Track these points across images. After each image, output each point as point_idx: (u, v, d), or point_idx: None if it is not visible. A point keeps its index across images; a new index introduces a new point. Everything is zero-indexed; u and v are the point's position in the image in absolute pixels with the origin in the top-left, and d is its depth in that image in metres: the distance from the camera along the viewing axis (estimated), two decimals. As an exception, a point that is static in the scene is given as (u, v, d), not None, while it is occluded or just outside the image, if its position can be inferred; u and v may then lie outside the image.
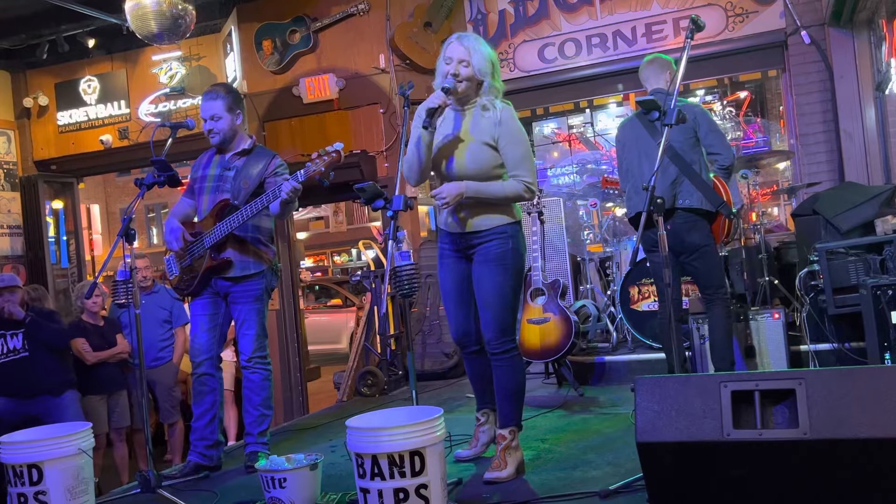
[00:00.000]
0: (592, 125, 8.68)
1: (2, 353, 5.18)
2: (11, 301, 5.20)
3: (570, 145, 8.81)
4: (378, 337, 6.54)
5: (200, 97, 7.91)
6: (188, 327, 4.60)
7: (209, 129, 4.03)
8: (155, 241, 21.94)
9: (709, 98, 8.36)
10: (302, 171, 3.75)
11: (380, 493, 2.58)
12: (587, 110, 8.54)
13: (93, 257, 10.45)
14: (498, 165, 3.34)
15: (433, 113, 3.24)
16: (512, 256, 3.37)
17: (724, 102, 8.25)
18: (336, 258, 23.34)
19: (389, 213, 3.15)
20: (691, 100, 7.32)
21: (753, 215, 5.70)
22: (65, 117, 8.90)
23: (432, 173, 3.50)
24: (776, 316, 4.90)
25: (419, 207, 7.85)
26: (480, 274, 3.38)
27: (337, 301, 13.69)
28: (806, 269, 5.01)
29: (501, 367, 3.40)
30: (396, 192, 3.19)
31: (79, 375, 5.47)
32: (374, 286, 6.62)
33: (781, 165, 7.73)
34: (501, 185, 3.33)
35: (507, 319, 3.37)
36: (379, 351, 6.47)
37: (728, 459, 2.50)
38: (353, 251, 22.24)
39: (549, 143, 8.99)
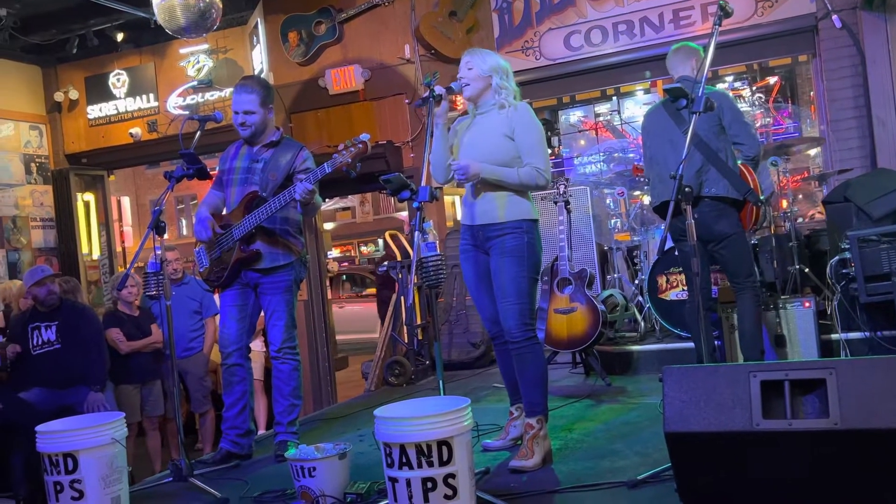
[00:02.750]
0: (619, 113, 8.61)
1: (36, 344, 5.27)
2: (52, 291, 5.29)
3: (596, 133, 8.75)
4: (405, 327, 6.57)
5: (228, 89, 7.96)
6: (218, 318, 4.66)
7: (241, 122, 4.05)
8: (184, 232, 22.13)
9: (738, 84, 8.25)
10: (329, 162, 3.77)
11: (408, 483, 2.60)
12: (614, 98, 8.47)
13: (123, 249, 10.59)
14: (516, 157, 3.47)
15: (431, 96, 3.38)
16: (527, 250, 3.45)
17: (754, 88, 8.13)
18: (363, 248, 23.43)
19: (415, 205, 3.16)
20: (718, 86, 7.24)
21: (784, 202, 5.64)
22: (95, 111, 9.01)
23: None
24: (807, 304, 4.85)
25: (445, 198, 7.85)
26: (497, 266, 3.47)
27: (371, 290, 13.75)
28: (837, 257, 4.94)
29: (523, 355, 3.45)
30: (422, 183, 3.20)
31: (113, 365, 5.55)
32: (400, 276, 6.65)
33: (812, 152, 7.62)
34: (516, 171, 3.44)
35: (525, 308, 3.43)
36: (406, 341, 6.50)
37: (757, 449, 2.48)
38: (380, 241, 22.31)
39: (576, 132, 8.93)
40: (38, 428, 3.21)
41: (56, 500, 3.11)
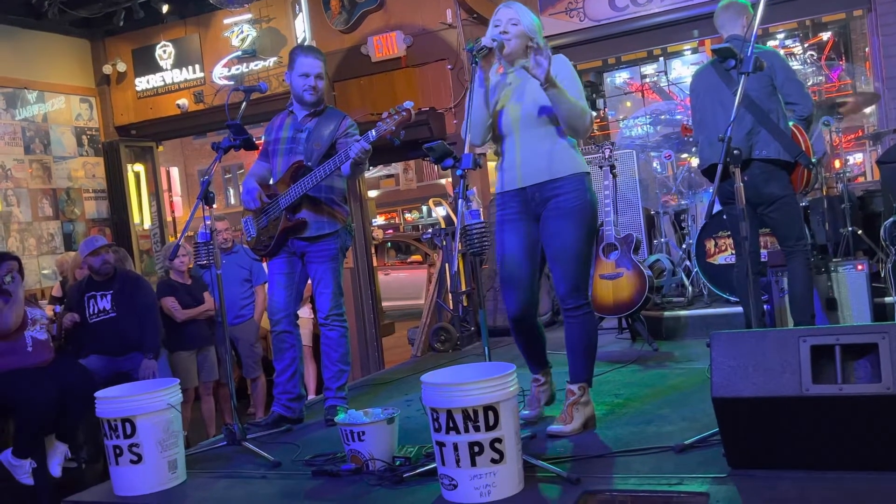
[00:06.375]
0: (666, 74, 8.44)
1: (93, 312, 5.42)
2: (107, 260, 5.42)
3: (643, 95, 8.61)
4: (450, 294, 6.60)
5: (272, 59, 8.00)
6: (267, 286, 4.73)
7: (312, 85, 4.07)
8: (232, 201, 22.47)
9: (789, 42, 8.02)
10: (373, 130, 3.79)
11: (455, 447, 2.63)
12: (661, 58, 8.31)
13: (174, 218, 10.80)
14: None
15: (475, 60, 3.17)
16: (590, 210, 3.31)
17: (806, 46, 7.90)
18: (407, 216, 23.54)
19: (459, 172, 3.14)
20: (770, 44, 7.04)
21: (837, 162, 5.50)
22: (142, 83, 9.15)
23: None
24: (860, 267, 4.75)
25: (488, 164, 7.81)
26: (554, 228, 3.30)
27: (417, 257, 13.81)
28: (891, 219, 4.81)
29: (574, 324, 3.36)
30: (465, 151, 3.17)
31: (168, 332, 5.68)
32: (444, 244, 6.66)
33: (867, 110, 7.40)
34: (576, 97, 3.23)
35: (581, 275, 3.33)
36: (451, 307, 6.53)
37: (807, 415, 2.46)
38: (424, 208, 22.38)
39: (622, 94, 8.80)
40: (97, 394, 3.31)
41: (116, 463, 3.22)
